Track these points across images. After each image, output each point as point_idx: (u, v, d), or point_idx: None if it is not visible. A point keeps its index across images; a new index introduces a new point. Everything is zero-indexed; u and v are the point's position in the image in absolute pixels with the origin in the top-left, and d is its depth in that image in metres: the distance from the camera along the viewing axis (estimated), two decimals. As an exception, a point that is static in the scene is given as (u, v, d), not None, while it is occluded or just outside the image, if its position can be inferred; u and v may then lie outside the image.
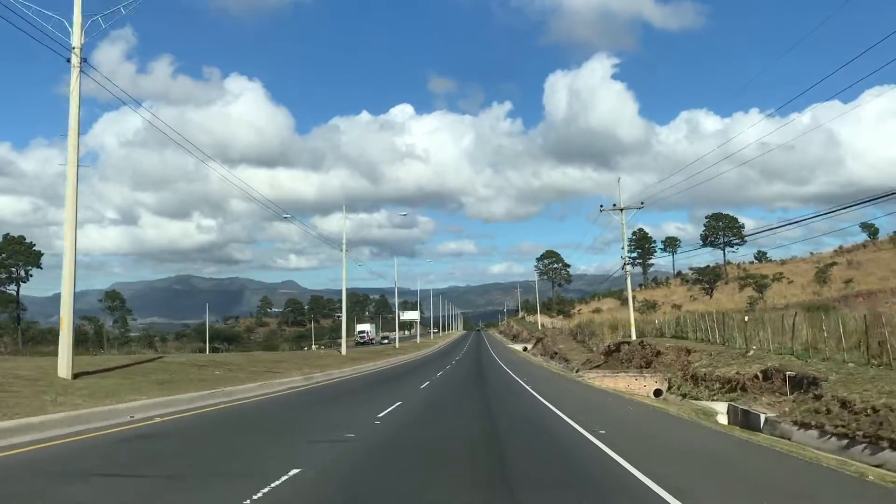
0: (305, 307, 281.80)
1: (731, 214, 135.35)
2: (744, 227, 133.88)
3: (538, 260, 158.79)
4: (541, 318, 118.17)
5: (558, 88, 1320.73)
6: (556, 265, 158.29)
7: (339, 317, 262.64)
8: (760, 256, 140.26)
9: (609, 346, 45.18)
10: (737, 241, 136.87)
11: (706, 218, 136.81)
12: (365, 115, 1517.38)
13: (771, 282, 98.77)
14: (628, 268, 42.09)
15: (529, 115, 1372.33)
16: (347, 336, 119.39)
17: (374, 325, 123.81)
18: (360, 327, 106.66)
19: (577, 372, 50.82)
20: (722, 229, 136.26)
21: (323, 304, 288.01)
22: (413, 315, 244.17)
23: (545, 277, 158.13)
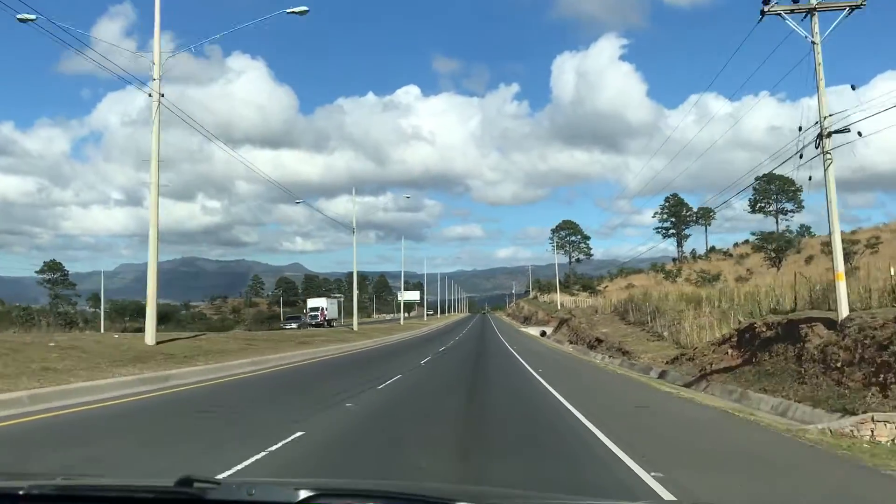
0: (300, 287, 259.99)
1: (785, 176, 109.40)
2: (801, 191, 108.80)
3: (553, 231, 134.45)
4: (560, 297, 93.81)
5: (566, 70, 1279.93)
6: (573, 237, 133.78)
7: (334, 297, 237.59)
8: (804, 231, 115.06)
9: (755, 328, 21.07)
10: (792, 207, 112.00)
11: (756, 180, 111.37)
12: (371, 97, 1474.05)
13: (864, 248, 74.20)
14: (831, 146, 17.58)
15: (536, 97, 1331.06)
16: (288, 316, 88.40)
17: (336, 300, 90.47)
18: (312, 302, 78.82)
19: (652, 374, 27.03)
20: (775, 193, 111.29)
21: (319, 284, 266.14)
22: (413, 296, 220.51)
23: (561, 251, 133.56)
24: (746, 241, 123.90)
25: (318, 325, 60.24)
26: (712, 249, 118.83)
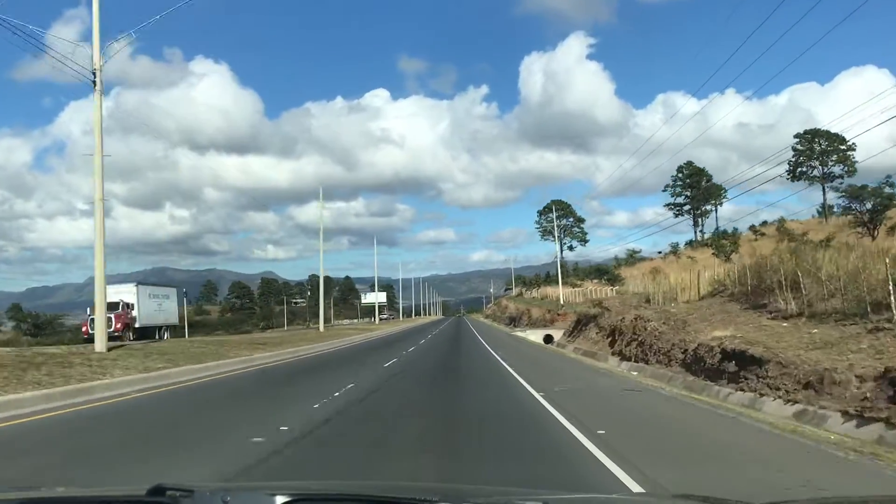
0: (257, 292, 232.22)
1: (833, 132, 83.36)
2: (854, 149, 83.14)
3: (541, 214, 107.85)
4: (562, 290, 66.74)
5: (534, 71, 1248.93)
6: (566, 220, 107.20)
7: (295, 303, 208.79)
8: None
9: None
10: (841, 171, 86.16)
11: (796, 138, 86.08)
12: (339, 101, 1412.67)
13: None
14: None
15: (505, 99, 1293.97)
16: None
17: (165, 293, 41.78)
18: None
19: None
20: (820, 155, 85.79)
21: (278, 289, 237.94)
22: (378, 298, 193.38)
23: (550, 237, 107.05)
24: (765, 223, 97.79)
25: (114, 338, 28.17)
26: (725, 233, 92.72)
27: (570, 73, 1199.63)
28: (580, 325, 42.23)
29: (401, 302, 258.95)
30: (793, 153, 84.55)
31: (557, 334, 47.65)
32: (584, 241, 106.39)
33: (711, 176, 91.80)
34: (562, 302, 63.26)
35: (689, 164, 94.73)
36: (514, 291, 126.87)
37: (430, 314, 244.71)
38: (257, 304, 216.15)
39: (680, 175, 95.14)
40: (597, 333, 36.06)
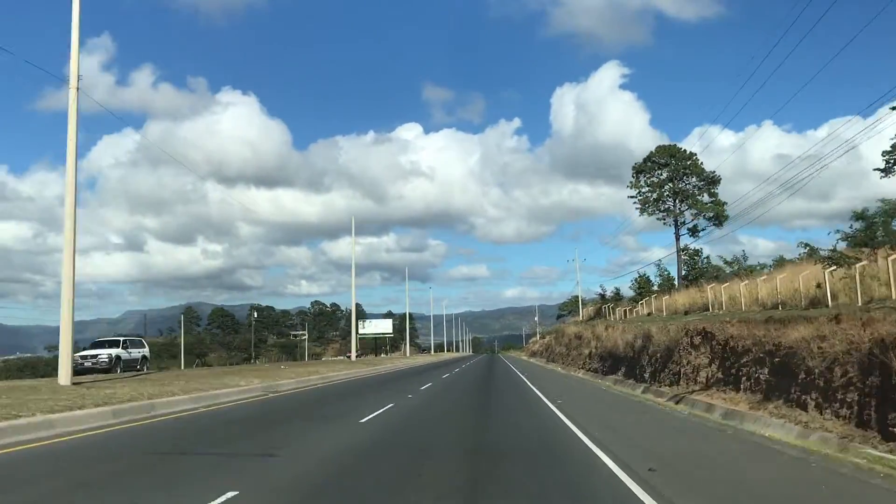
0: (250, 321, 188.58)
1: None
2: None
3: (638, 173, 57.68)
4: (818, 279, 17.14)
5: (566, 102, 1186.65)
6: (685, 184, 56.87)
7: (295, 335, 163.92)
8: None
9: None
10: None
11: None
12: (371, 135, 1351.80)
13: None
14: None
15: (536, 130, 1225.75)
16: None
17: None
18: None
19: None
20: None
21: (275, 319, 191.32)
22: (383, 325, 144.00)
23: (658, 212, 56.85)
24: None
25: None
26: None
27: (603, 104, 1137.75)
28: None
29: (436, 338, 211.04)
30: None
31: None
32: (720, 218, 55.98)
33: None
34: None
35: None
36: (582, 316, 76.11)
37: (459, 350, 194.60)
38: (243, 334, 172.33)
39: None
40: None
